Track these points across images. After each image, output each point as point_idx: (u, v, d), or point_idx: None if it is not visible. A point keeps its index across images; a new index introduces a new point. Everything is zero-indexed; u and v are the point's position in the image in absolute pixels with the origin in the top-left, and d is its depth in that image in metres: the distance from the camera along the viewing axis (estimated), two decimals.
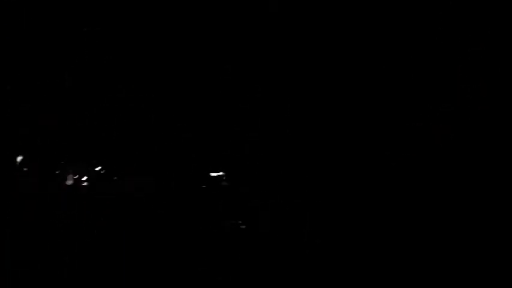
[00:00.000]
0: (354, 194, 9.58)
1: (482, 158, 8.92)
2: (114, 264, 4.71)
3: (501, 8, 8.46)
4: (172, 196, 9.88)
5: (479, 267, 5.08)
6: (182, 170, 11.47)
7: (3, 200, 9.16)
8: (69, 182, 10.83)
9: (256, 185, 11.05)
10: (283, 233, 6.49)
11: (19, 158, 11.27)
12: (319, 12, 10.27)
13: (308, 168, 10.64)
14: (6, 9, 11.66)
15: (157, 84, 12.49)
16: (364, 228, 7.29)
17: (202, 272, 4.42)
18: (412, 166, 9.77)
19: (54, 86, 12.54)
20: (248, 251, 5.28)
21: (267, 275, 4.40)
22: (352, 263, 5.05)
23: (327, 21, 10.21)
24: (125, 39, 12.19)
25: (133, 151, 10.63)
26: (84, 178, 10.64)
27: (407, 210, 8.63)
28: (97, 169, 10.44)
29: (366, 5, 9.87)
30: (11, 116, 10.79)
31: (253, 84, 11.75)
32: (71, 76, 10.31)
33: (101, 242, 6.38)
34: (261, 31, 11.11)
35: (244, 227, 6.82)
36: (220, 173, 12.13)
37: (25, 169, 10.81)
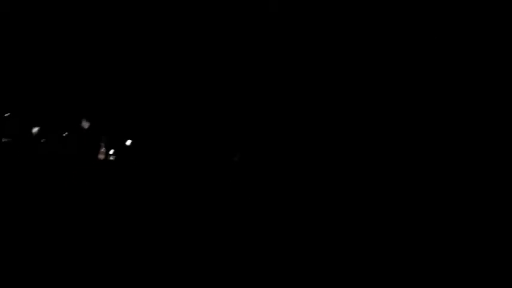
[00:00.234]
0: (353, 193, 9.59)
1: (482, 158, 8.93)
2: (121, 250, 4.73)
3: (501, 8, 8.47)
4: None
5: (477, 267, 5.09)
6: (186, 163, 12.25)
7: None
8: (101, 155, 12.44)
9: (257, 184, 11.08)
10: (283, 232, 6.50)
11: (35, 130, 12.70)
12: (319, 12, 10.28)
13: (308, 168, 10.66)
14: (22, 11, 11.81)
15: (166, 82, 12.78)
16: (363, 227, 7.29)
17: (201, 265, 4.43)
18: (412, 166, 9.79)
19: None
20: (248, 250, 5.29)
21: (266, 273, 4.41)
22: (351, 263, 5.06)
23: (327, 21, 10.22)
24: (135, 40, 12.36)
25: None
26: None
27: (406, 210, 8.65)
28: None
29: (366, 5, 9.88)
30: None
31: (253, 84, 11.78)
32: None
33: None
34: (261, 31, 11.12)
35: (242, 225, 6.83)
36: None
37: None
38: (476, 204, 8.34)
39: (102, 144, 13.78)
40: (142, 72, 14.41)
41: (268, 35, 11.13)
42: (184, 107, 13.82)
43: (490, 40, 8.92)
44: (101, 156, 13.73)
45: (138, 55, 14.05)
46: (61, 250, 4.81)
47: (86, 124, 13.40)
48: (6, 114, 15.19)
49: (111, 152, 13.54)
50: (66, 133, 14.53)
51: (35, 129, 15.56)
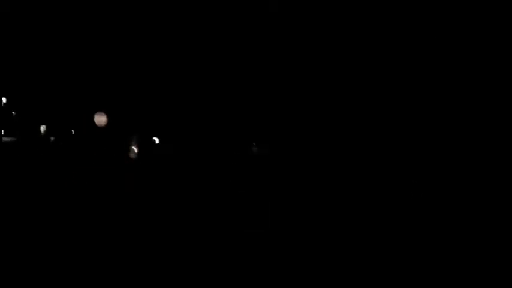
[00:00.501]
0: (353, 192, 9.58)
1: (482, 158, 8.92)
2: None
3: (501, 8, 8.46)
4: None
5: (476, 266, 5.09)
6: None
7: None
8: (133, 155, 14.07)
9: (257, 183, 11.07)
10: (282, 231, 6.50)
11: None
12: (319, 13, 10.26)
13: (309, 167, 10.64)
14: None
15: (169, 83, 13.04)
16: (362, 226, 7.29)
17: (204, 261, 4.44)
18: (411, 166, 9.77)
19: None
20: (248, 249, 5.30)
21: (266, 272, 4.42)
22: (350, 262, 5.06)
23: (327, 21, 10.21)
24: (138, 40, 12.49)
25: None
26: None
27: (406, 210, 8.64)
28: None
29: (366, 5, 9.87)
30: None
31: (252, 84, 11.76)
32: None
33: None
34: (261, 31, 11.10)
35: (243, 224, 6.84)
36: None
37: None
38: (475, 204, 8.33)
39: (133, 143, 14.49)
40: (147, 72, 14.46)
41: (268, 35, 11.12)
42: (188, 106, 13.89)
43: (489, 40, 8.91)
44: (132, 155, 14.39)
45: (143, 55, 14.08)
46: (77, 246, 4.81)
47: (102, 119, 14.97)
48: (13, 113, 15.26)
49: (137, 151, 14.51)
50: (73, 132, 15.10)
51: (42, 128, 15.64)
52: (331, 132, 10.54)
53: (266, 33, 11.02)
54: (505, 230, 7.00)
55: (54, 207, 7.60)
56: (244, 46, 11.75)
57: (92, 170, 13.81)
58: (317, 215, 8.38)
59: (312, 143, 10.82)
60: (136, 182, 12.47)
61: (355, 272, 4.67)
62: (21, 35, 14.48)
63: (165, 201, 9.33)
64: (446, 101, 9.43)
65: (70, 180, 11.26)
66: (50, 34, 14.45)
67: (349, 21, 9.96)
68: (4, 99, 16.17)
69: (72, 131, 18.13)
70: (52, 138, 18.10)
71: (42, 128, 17.61)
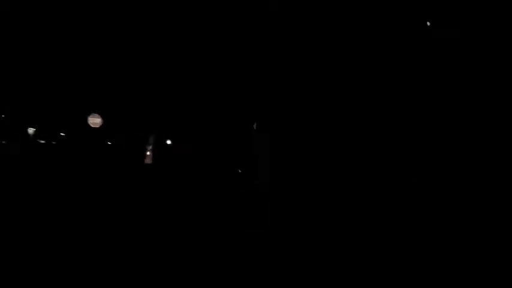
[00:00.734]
0: (353, 193, 9.58)
1: (481, 158, 8.91)
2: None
3: (501, 8, 8.46)
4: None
5: (475, 266, 5.09)
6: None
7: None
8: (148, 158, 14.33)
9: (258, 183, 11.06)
10: (283, 231, 6.50)
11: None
12: (319, 13, 10.26)
13: (309, 168, 10.64)
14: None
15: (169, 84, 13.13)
16: (362, 226, 7.29)
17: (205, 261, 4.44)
18: (411, 166, 9.77)
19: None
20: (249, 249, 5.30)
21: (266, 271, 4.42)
22: (349, 262, 5.06)
23: (327, 21, 10.21)
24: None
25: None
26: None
27: (406, 210, 8.64)
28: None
29: (366, 5, 9.86)
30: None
31: (253, 84, 11.76)
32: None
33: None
34: (261, 31, 11.09)
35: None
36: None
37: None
38: (475, 204, 8.33)
39: (149, 146, 14.80)
40: (148, 71, 14.45)
41: (268, 35, 11.11)
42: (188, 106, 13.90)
43: (489, 40, 8.91)
44: (148, 160, 14.59)
45: (142, 55, 14.05)
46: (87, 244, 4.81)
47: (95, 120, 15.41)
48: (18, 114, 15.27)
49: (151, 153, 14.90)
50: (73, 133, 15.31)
51: (31, 130, 15.64)
52: (331, 132, 10.54)
53: (266, 33, 11.02)
54: (505, 230, 7.00)
55: (50, 209, 7.60)
56: (245, 46, 11.74)
57: (90, 171, 13.82)
58: (317, 214, 8.37)
59: (312, 142, 10.81)
60: (138, 181, 12.47)
61: (355, 272, 4.67)
62: (21, 35, 14.47)
63: (165, 201, 9.33)
64: (446, 102, 9.43)
65: (65, 182, 11.26)
66: (49, 34, 14.43)
67: (349, 21, 9.95)
68: None
69: (62, 133, 18.15)
70: (42, 141, 18.09)
71: (31, 130, 17.59)
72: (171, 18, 12.95)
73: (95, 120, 17.08)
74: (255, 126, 11.49)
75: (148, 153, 16.16)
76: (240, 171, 12.99)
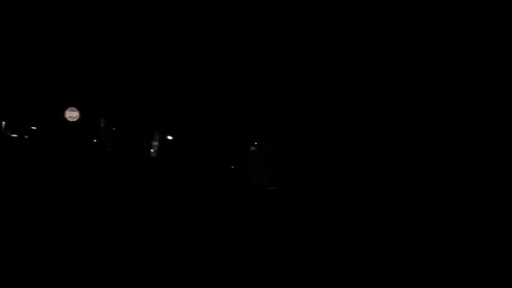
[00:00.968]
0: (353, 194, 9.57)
1: (481, 158, 8.90)
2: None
3: (501, 8, 8.45)
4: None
5: (475, 266, 5.09)
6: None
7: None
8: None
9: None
10: (283, 231, 6.50)
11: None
12: (319, 13, 10.25)
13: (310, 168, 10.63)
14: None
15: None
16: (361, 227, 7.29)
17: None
18: (411, 167, 9.76)
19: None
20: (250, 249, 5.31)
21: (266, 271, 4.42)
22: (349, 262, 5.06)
23: (327, 21, 10.20)
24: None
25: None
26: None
27: (406, 211, 8.63)
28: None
29: (366, 5, 9.85)
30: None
31: (252, 84, 11.75)
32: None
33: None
34: (261, 31, 11.08)
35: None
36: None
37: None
38: (475, 204, 8.32)
39: (155, 142, 14.94)
40: (149, 72, 14.45)
41: (268, 35, 11.11)
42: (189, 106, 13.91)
43: (488, 41, 8.90)
44: (153, 154, 14.83)
45: (143, 56, 14.05)
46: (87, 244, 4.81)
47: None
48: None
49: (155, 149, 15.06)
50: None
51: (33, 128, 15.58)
52: (330, 132, 10.53)
53: (266, 33, 11.01)
54: (505, 229, 6.99)
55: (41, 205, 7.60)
56: (244, 46, 11.73)
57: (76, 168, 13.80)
58: (317, 214, 8.37)
59: (312, 142, 10.80)
60: (138, 181, 12.45)
61: (355, 271, 4.67)
62: (20, 35, 14.47)
63: (165, 201, 9.32)
64: (446, 103, 9.42)
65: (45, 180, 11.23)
66: (48, 34, 14.42)
67: (349, 21, 9.94)
68: None
69: (34, 127, 18.11)
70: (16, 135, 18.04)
71: (3, 123, 17.51)
72: (171, 18, 12.94)
73: (72, 114, 17.09)
74: (254, 126, 11.46)
75: (152, 149, 16.26)
76: (239, 171, 12.97)
